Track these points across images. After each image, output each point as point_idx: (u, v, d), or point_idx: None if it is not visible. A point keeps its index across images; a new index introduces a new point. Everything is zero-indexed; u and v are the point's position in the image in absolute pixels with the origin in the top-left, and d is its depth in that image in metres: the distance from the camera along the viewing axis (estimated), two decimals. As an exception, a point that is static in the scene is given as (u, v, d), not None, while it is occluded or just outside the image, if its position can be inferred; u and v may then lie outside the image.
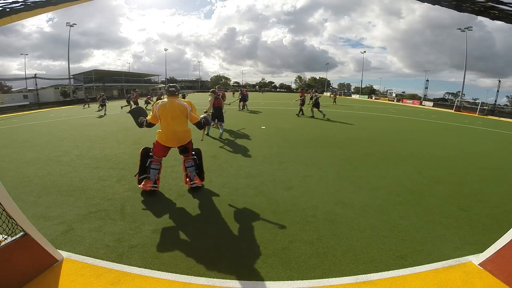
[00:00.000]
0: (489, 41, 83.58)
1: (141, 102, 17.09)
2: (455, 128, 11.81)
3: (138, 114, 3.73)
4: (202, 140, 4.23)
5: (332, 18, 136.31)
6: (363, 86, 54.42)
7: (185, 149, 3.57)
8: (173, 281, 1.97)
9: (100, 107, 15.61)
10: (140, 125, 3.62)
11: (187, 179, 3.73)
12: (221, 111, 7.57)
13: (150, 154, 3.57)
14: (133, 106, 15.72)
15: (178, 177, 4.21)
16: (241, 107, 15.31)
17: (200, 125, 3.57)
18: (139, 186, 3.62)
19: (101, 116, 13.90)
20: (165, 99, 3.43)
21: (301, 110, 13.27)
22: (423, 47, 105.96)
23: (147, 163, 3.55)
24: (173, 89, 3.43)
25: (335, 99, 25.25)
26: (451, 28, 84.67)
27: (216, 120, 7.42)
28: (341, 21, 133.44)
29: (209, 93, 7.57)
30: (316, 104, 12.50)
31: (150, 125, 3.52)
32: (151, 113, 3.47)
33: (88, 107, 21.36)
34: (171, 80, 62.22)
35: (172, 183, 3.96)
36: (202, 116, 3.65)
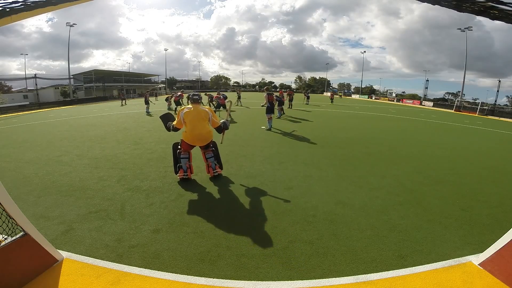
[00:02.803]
0: (488, 41, 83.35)
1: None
2: (455, 128, 11.81)
3: (167, 119, 4.26)
4: (222, 143, 4.50)
5: (331, 18, 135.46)
6: (363, 86, 54.45)
7: (206, 145, 4.05)
8: (173, 281, 1.97)
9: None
10: (168, 129, 4.16)
11: (210, 169, 4.15)
12: (273, 105, 9.53)
13: (179, 147, 4.05)
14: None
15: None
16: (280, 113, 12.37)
17: (220, 129, 4.08)
18: (177, 175, 4.08)
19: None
20: (190, 106, 3.92)
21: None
22: (422, 47, 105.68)
23: (178, 154, 4.05)
24: (197, 97, 4.01)
25: (332, 98, 25.80)
26: (450, 28, 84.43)
27: (269, 112, 9.29)
28: (340, 21, 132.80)
29: (264, 90, 10.15)
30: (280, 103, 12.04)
31: (176, 129, 4.03)
32: (176, 119, 3.94)
33: (125, 104, 22.39)
34: (171, 81, 62.25)
35: (172, 183, 3.96)
36: (222, 121, 4.12)
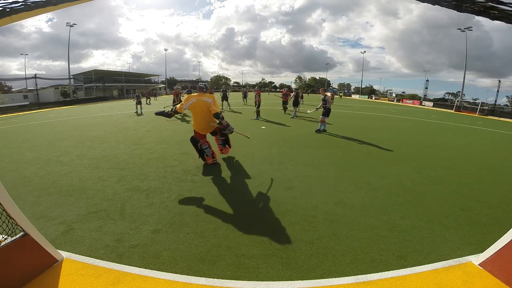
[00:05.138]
0: (487, 41, 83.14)
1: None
2: (455, 128, 11.81)
3: (163, 113, 4.78)
4: (248, 137, 5.40)
5: (330, 19, 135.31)
6: (363, 86, 54.41)
7: (213, 132, 4.66)
8: (173, 281, 1.97)
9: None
10: (169, 115, 4.67)
11: (220, 147, 5.04)
12: (329, 106, 8.63)
13: (199, 142, 4.57)
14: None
15: (179, 177, 4.21)
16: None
17: (218, 116, 4.28)
18: (207, 162, 4.70)
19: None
20: (195, 96, 4.27)
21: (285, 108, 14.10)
22: (421, 47, 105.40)
23: (199, 146, 4.58)
24: (202, 86, 4.29)
25: (332, 98, 25.89)
26: (449, 28, 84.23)
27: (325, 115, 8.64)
28: (339, 21, 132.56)
29: (321, 92, 8.90)
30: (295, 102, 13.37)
31: (175, 112, 4.58)
32: (182, 103, 4.35)
33: (149, 103, 22.76)
34: (171, 81, 62.24)
35: (172, 183, 3.96)
36: (226, 122, 4.46)
